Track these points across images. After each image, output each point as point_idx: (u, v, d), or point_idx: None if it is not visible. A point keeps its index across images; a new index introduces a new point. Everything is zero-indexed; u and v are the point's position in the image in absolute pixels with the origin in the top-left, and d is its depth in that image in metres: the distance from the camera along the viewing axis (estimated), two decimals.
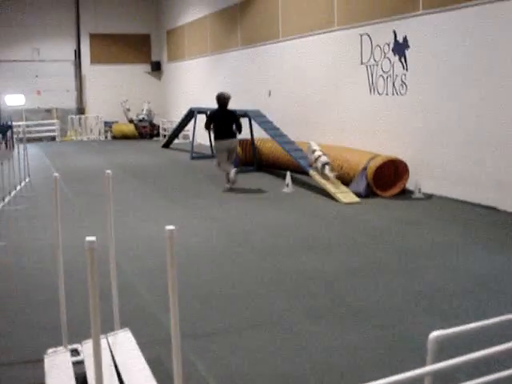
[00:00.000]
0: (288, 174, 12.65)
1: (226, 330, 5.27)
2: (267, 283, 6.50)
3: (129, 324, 4.92)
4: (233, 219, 9.88)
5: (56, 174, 4.42)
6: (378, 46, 13.29)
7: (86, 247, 2.34)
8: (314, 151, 12.15)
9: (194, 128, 19.04)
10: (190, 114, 20.30)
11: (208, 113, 14.40)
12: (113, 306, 4.81)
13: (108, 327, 4.90)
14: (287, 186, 12.49)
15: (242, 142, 16.05)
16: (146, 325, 5.37)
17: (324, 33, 15.32)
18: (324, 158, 11.90)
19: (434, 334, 2.31)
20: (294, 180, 12.88)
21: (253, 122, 15.77)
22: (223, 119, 12.75)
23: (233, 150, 12.83)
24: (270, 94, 18.37)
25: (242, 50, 20.30)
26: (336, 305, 5.76)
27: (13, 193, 12.63)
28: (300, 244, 8.14)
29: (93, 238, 2.34)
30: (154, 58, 30.00)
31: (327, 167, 11.79)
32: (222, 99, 12.87)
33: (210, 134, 14.77)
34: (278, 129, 14.81)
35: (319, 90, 15.66)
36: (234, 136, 12.75)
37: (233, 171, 12.31)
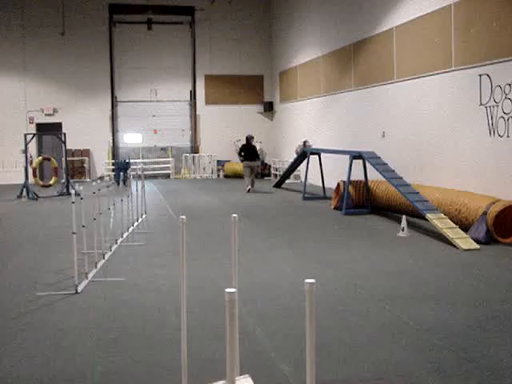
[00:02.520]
0: (404, 217, 12.33)
1: (348, 381, 5.09)
2: (388, 332, 6.26)
3: (248, 370, 4.85)
4: (347, 263, 9.68)
5: (183, 217, 4.42)
6: (498, 86, 12.87)
7: (226, 299, 2.30)
8: None
9: (307, 168, 19.04)
10: (303, 155, 20.37)
11: (241, 146, 22.18)
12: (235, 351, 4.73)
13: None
14: (402, 229, 12.16)
15: (355, 183, 15.88)
16: (265, 372, 5.27)
17: (441, 73, 15.03)
18: None
19: None
20: (409, 223, 12.55)
21: (367, 163, 15.58)
22: (249, 149, 21.16)
23: (254, 168, 21.26)
24: (383, 136, 18.14)
25: (355, 91, 20.23)
26: (462, 360, 5.46)
27: (130, 229, 13.01)
28: (419, 292, 7.84)
29: (233, 290, 2.30)
30: (267, 99, 30.45)
31: None
32: (249, 138, 21.54)
33: (240, 158, 21.64)
34: (392, 171, 14.54)
35: (435, 132, 15.31)
36: (254, 160, 21.13)
37: (248, 187, 20.74)
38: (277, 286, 8.16)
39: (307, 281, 2.62)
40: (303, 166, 20.41)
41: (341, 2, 21.33)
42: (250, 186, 20.89)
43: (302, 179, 22.19)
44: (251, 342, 5.99)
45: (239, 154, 21.50)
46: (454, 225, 11.47)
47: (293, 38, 26.87)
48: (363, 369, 5.29)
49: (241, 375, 4.82)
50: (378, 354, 5.64)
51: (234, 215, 4.37)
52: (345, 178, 15.70)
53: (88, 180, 27.63)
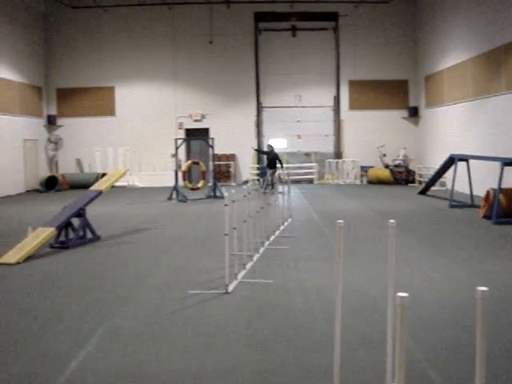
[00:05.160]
0: None
1: None
2: None
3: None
4: (500, 273, 9.25)
5: (340, 221, 4.45)
6: None
7: (397, 302, 2.30)
8: None
9: (454, 175, 18.44)
10: (450, 161, 19.76)
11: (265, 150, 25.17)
12: (386, 359, 4.70)
13: (379, 381, 4.83)
14: None
15: (507, 191, 15.19)
16: (417, 381, 5.17)
17: None
18: None
19: None
20: None
21: None
22: (269, 157, 23.79)
23: (274, 174, 23.39)
24: None
25: (506, 95, 19.35)
26: None
27: (276, 232, 13.22)
28: None
29: (405, 294, 2.30)
30: (412, 104, 29.84)
31: None
32: (270, 147, 24.41)
33: (257, 153, 25.32)
34: None
35: None
36: (275, 167, 23.73)
37: (262, 190, 19.58)
38: (425, 295, 7.97)
39: (479, 288, 2.55)
40: (449, 172, 19.80)
41: (489, 2, 20.50)
42: (263, 190, 20.27)
43: (448, 186, 21.56)
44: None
45: (257, 152, 25.30)
46: None
47: (439, 41, 26.16)
48: None
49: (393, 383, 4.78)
50: None
51: (392, 221, 4.31)
52: (495, 186, 15.08)
53: (233, 184, 28.37)
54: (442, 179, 23.56)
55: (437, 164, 23.16)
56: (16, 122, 26.52)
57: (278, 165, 23.97)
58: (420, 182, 26.07)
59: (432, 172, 23.49)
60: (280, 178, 18.92)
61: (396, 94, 29.96)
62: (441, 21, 25.77)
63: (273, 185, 23.72)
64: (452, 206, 18.02)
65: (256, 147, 24.12)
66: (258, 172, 28.74)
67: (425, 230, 13.87)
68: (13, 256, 10.73)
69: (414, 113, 29.62)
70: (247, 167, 29.65)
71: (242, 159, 29.82)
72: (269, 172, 24.09)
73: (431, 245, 11.88)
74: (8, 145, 25.63)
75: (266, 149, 24.16)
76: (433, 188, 22.89)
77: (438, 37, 26.31)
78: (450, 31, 24.67)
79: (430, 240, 12.48)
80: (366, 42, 29.76)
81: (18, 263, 10.53)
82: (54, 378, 5.30)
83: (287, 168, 27.31)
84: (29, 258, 10.87)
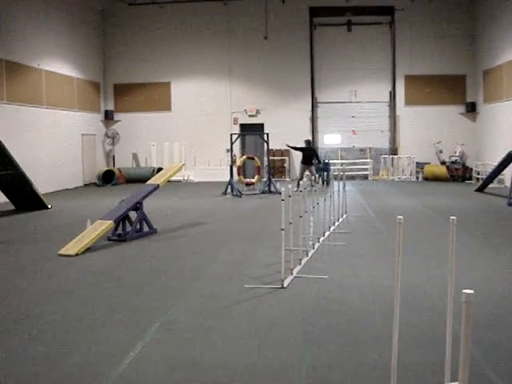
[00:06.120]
0: None
1: None
2: None
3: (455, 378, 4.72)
4: None
5: (400, 217, 4.41)
6: None
7: (463, 299, 2.28)
8: None
9: None
10: (508, 158, 19.35)
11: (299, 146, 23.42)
12: (445, 358, 4.65)
13: (436, 380, 4.79)
14: None
15: None
16: (475, 381, 5.09)
17: None
18: None
19: None
20: None
21: None
22: (307, 153, 22.65)
23: (310, 170, 22.56)
24: None
25: None
26: None
27: (332, 228, 13.18)
28: None
29: (470, 291, 2.28)
30: (469, 99, 29.28)
31: None
32: (308, 142, 23.30)
33: (290, 148, 23.37)
34: None
35: None
36: (311, 163, 22.73)
37: (295, 188, 17.98)
38: (484, 294, 7.83)
39: None
40: (508, 170, 19.38)
41: None
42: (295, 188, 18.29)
43: (507, 184, 21.10)
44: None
45: (292, 148, 23.33)
46: None
47: (497, 35, 25.58)
48: None
49: (451, 381, 4.73)
50: None
51: (453, 217, 4.25)
52: None
53: (288, 179, 28.38)
54: (500, 176, 23.08)
55: (495, 161, 22.72)
56: (74, 117, 27.10)
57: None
58: (477, 180, 25.59)
59: (490, 169, 23.03)
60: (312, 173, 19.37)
61: (453, 89, 29.44)
62: (499, 13, 25.20)
63: (328, 181, 23.60)
64: (510, 204, 17.63)
65: (290, 144, 23.39)
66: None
67: (482, 228, 13.60)
68: (72, 248, 10.99)
69: (471, 108, 29.06)
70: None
71: (296, 155, 29.78)
72: (301, 167, 23.10)
73: (489, 243, 11.65)
74: (67, 139, 26.21)
75: (303, 145, 23.28)
76: (490, 185, 22.43)
77: (496, 30, 25.74)
78: (508, 24, 24.10)
79: (488, 238, 12.23)
80: (422, 36, 29.32)
81: (77, 255, 10.78)
82: (112, 369, 5.41)
83: (342, 164, 27.18)
84: (87, 250, 11.12)
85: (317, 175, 21.78)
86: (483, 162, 26.42)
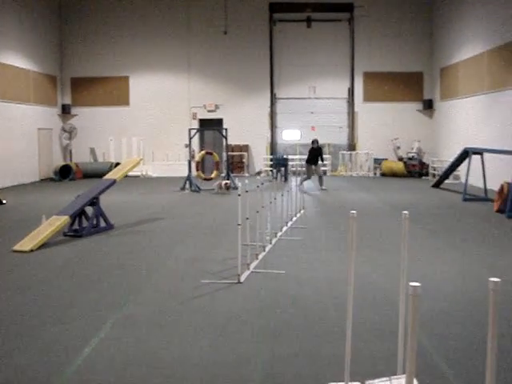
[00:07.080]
0: None
1: None
2: None
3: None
4: None
5: (353, 212, 4.45)
6: None
7: (409, 292, 2.31)
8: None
9: (468, 169, 18.35)
10: (464, 154, 19.68)
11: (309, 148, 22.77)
12: (397, 350, 4.72)
13: (389, 370, 4.85)
14: None
15: None
16: (428, 374, 5.17)
17: None
18: None
19: None
20: None
21: None
22: (313, 153, 22.10)
23: (317, 170, 22.09)
24: None
25: None
26: None
27: (289, 223, 13.24)
28: None
29: (417, 284, 2.31)
30: (426, 96, 29.68)
31: None
32: (315, 142, 22.38)
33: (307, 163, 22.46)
34: None
35: None
36: (317, 163, 22.05)
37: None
38: (437, 288, 7.96)
39: (492, 279, 2.55)
40: (464, 166, 19.70)
41: None
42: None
43: (462, 180, 21.47)
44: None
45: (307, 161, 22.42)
46: None
47: (454, 34, 25.97)
48: None
49: (402, 374, 4.80)
50: None
51: (405, 212, 4.31)
52: (509, 179, 14.99)
53: (247, 175, 28.39)
54: (456, 172, 23.49)
55: (451, 157, 23.09)
56: (30, 111, 26.64)
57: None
58: (434, 175, 25.97)
59: (446, 165, 23.41)
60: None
61: (411, 86, 29.80)
62: (457, 13, 25.58)
63: (286, 177, 23.67)
64: (465, 200, 17.95)
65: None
66: (271, 163, 28.71)
67: (438, 224, 13.82)
68: (27, 244, 10.82)
69: (428, 105, 29.46)
70: (260, 158, 29.66)
71: (255, 150, 29.83)
72: (307, 167, 21.96)
73: (444, 238, 11.85)
74: (22, 134, 25.76)
75: (303, 144, 22.95)
76: (446, 181, 22.80)
77: (453, 29, 26.13)
78: (465, 23, 24.50)
79: (443, 233, 12.45)
80: (381, 33, 29.60)
81: (32, 251, 10.62)
82: (67, 365, 5.35)
83: (300, 159, 27.26)
84: (43, 246, 10.96)
85: (275, 171, 21.83)
86: (439, 159, 26.81)
